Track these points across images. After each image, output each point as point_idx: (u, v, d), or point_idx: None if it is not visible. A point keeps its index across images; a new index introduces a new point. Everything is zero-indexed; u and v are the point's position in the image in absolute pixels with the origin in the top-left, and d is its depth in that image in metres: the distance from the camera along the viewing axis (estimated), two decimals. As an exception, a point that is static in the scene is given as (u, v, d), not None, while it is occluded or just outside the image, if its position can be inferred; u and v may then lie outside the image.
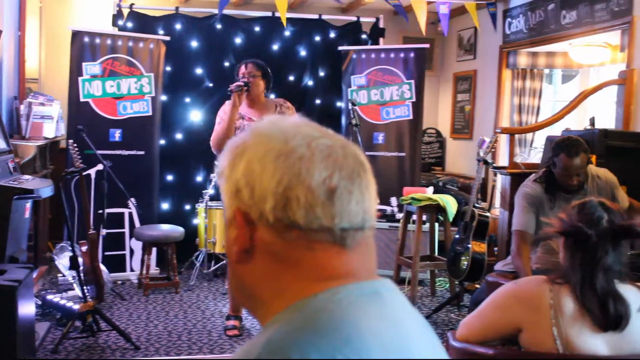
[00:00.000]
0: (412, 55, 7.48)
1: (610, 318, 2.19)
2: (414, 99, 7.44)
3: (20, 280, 3.90)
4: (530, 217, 4.17)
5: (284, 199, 0.95)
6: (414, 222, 6.28)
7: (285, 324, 0.92)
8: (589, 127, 5.55)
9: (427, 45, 7.68)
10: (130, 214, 6.82)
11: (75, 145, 5.70)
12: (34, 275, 4.97)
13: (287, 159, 0.96)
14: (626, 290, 2.27)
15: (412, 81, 7.43)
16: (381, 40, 8.11)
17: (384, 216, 7.04)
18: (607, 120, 6.44)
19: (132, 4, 7.41)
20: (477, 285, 5.60)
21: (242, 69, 5.31)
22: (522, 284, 2.37)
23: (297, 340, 0.87)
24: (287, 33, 7.85)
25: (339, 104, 7.92)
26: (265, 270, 0.99)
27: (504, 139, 7.39)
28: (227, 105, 5.27)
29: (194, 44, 7.58)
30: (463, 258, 5.59)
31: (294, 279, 0.97)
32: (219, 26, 7.55)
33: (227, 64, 7.59)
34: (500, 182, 6.26)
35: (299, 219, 0.95)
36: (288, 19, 7.82)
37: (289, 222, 0.95)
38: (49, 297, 5.43)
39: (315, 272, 0.97)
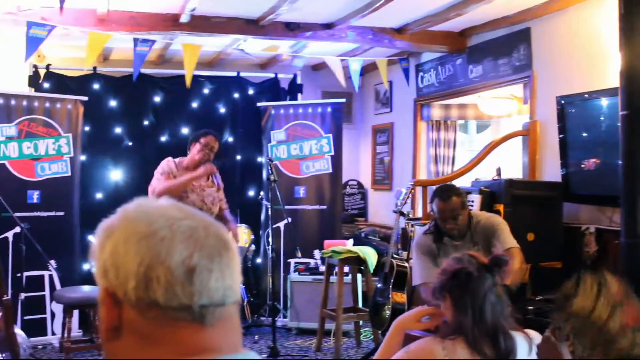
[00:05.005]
0: (329, 109, 7.64)
1: (502, 352, 2.32)
2: (332, 153, 7.58)
3: None
4: (428, 267, 4.32)
5: (145, 279, 1.01)
6: (336, 274, 6.36)
7: None
8: (496, 178, 5.78)
9: (343, 100, 7.85)
10: (51, 277, 6.70)
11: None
12: (-54, 344, 4.83)
13: (150, 240, 1.03)
14: (515, 335, 2.41)
15: (331, 135, 7.58)
16: (299, 95, 8.27)
17: (307, 269, 7.10)
18: (515, 169, 6.70)
19: (49, 65, 7.40)
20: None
21: (211, 139, 5.60)
22: (413, 351, 2.40)
23: None
24: (206, 90, 7.95)
25: (259, 159, 8.01)
26: (132, 347, 1.04)
27: (420, 190, 7.59)
28: (170, 162, 5.55)
29: (113, 103, 7.60)
30: (385, 308, 5.68)
31: (158, 356, 1.02)
32: (137, 85, 7.55)
33: (146, 122, 7.63)
34: (417, 232, 6.41)
35: (159, 298, 1.01)
36: (207, 77, 7.95)
37: (150, 301, 1.01)
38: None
39: (177, 349, 1.02)
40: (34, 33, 5.72)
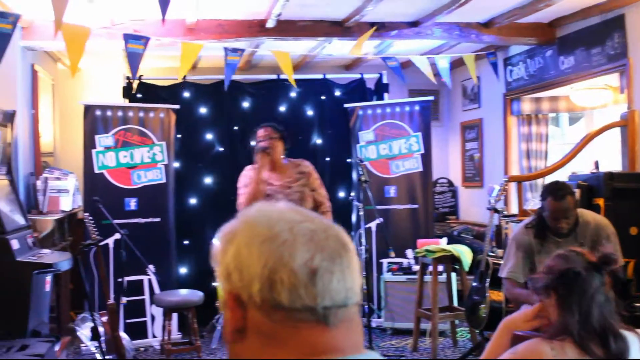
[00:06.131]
0: (417, 108, 7.58)
1: (613, 353, 2.24)
2: (422, 151, 7.52)
3: (42, 355, 3.97)
4: (518, 263, 4.22)
5: (269, 281, 1.03)
6: (430, 273, 6.30)
7: None
8: (594, 171, 5.61)
9: (431, 98, 7.77)
10: (150, 281, 6.87)
11: (90, 217, 5.79)
12: (57, 347, 5.03)
13: (272, 243, 1.04)
14: (625, 334, 2.32)
15: (419, 133, 7.52)
16: (386, 94, 8.24)
17: (400, 269, 7.07)
18: (614, 161, 6.49)
19: (141, 76, 7.60)
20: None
21: (260, 132, 5.39)
22: (520, 352, 2.34)
23: None
24: (293, 94, 8.00)
25: (348, 160, 8.02)
26: (257, 348, 1.06)
27: (514, 186, 7.45)
28: (248, 170, 5.40)
29: (203, 110, 7.76)
30: (482, 307, 5.59)
31: (283, 357, 1.03)
32: (226, 92, 7.66)
33: (236, 128, 7.75)
34: (512, 229, 6.29)
35: (284, 299, 1.02)
36: (294, 80, 8.00)
37: (275, 303, 1.03)
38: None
39: (302, 350, 1.03)
40: (132, 48, 5.86)
